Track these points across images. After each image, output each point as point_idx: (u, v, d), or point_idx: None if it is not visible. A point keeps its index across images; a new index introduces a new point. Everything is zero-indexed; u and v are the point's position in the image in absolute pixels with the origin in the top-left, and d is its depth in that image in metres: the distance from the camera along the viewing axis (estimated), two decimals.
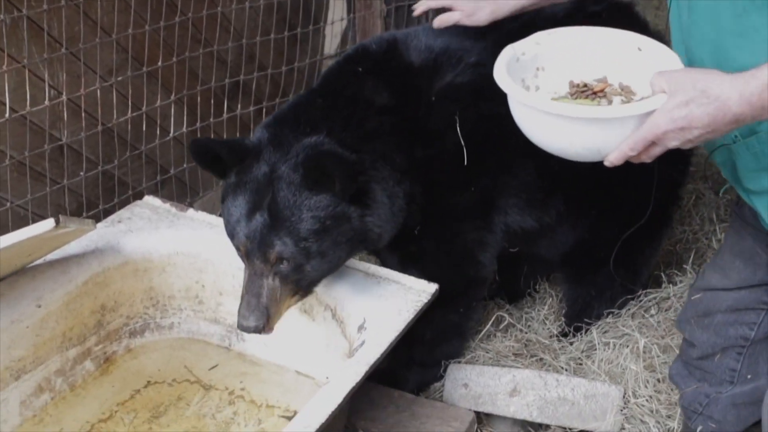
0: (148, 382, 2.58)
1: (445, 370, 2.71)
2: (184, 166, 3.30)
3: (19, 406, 2.38)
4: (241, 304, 2.24)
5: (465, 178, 2.45)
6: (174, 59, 3.09)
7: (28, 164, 2.70)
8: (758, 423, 2.30)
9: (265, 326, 2.22)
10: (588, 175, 2.30)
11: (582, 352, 2.86)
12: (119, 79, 2.91)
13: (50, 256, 2.48)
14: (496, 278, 3.13)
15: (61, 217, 2.15)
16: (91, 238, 2.56)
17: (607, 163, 1.78)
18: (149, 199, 2.81)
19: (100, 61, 2.82)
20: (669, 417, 2.57)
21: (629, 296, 2.97)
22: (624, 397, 2.58)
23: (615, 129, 1.74)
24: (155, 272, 2.67)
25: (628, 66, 1.96)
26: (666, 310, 2.96)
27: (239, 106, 3.45)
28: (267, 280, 2.22)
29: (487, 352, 2.85)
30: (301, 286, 2.28)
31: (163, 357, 2.67)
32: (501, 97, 1.90)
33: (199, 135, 3.30)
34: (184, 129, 3.26)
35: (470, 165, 2.41)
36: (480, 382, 2.60)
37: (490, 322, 2.93)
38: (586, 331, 2.93)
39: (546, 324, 3.10)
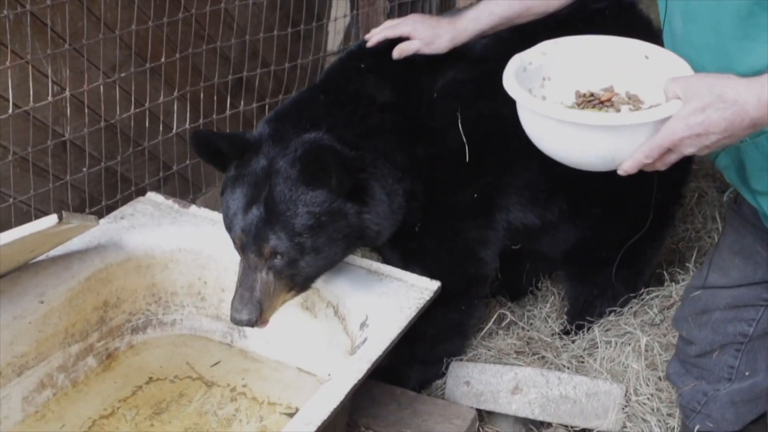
0: (150, 378, 2.58)
1: (446, 368, 2.71)
2: (187, 162, 3.30)
3: (21, 402, 2.38)
4: (234, 296, 2.24)
5: (467, 176, 2.44)
6: (177, 56, 3.09)
7: (31, 160, 2.70)
8: (756, 420, 2.31)
9: (257, 320, 2.21)
10: (591, 173, 2.29)
11: (584, 350, 2.86)
12: (122, 75, 2.91)
13: (53, 252, 2.48)
14: (498, 276, 3.13)
15: (63, 213, 2.15)
16: (93, 234, 2.56)
17: (621, 172, 1.75)
18: (152, 196, 2.81)
19: (103, 57, 2.82)
20: (670, 415, 2.57)
21: (631, 294, 2.97)
22: (626, 395, 2.57)
23: (629, 136, 1.69)
24: (158, 269, 2.67)
25: (635, 74, 1.91)
26: (668, 309, 2.95)
27: (242, 102, 3.45)
28: (261, 274, 2.22)
29: (489, 350, 2.85)
30: (296, 282, 2.27)
31: (165, 353, 2.67)
32: (503, 95, 1.87)
33: None
34: (187, 125, 3.25)
35: (472, 163, 2.41)
36: (482, 379, 2.60)
37: (492, 320, 2.92)
38: (588, 329, 2.93)
39: (548, 322, 3.10)
